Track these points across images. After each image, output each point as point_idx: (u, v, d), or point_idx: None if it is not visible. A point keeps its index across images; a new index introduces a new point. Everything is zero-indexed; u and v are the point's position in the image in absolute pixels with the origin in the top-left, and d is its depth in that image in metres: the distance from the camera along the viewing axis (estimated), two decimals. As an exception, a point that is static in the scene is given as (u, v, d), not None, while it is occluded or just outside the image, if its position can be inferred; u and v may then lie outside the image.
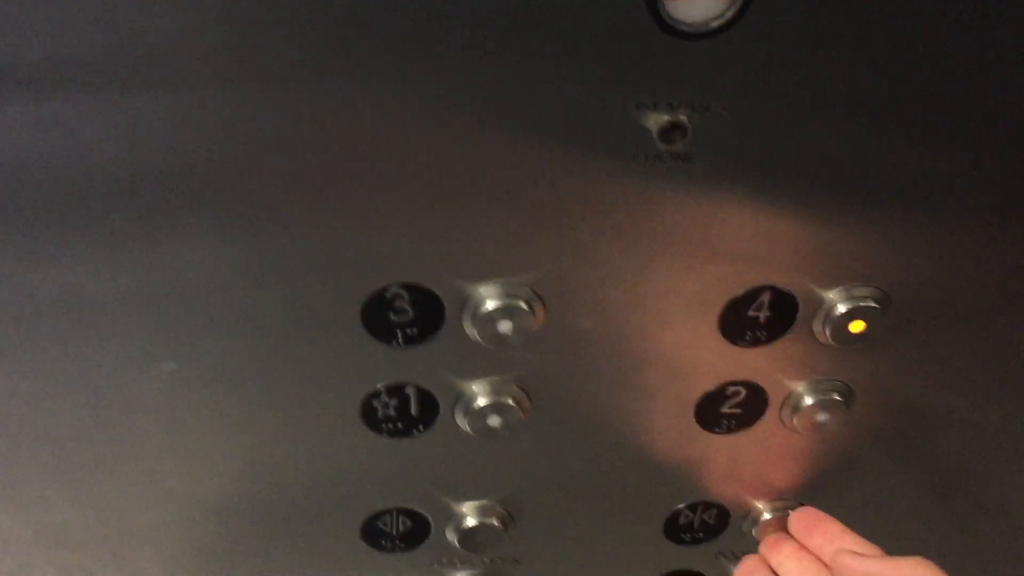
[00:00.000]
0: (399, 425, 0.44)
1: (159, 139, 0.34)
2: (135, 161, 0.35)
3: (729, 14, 0.33)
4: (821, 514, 0.46)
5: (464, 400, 0.43)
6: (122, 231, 0.37)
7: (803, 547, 0.45)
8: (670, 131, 0.36)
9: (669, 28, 0.33)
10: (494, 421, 0.43)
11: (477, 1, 0.33)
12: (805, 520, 0.47)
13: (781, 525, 0.48)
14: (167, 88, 0.33)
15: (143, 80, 0.33)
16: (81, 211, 0.36)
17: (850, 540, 0.44)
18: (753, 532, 0.50)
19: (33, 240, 0.36)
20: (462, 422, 0.43)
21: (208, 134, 0.34)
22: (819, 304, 0.42)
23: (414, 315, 0.40)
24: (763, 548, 0.47)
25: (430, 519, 0.48)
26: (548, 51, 0.34)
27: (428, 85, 0.34)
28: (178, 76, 0.33)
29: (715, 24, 0.33)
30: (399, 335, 0.41)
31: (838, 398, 0.44)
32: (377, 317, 0.40)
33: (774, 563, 0.46)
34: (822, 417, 0.45)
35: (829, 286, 0.41)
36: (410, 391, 0.42)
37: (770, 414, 0.45)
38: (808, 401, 0.45)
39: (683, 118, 0.35)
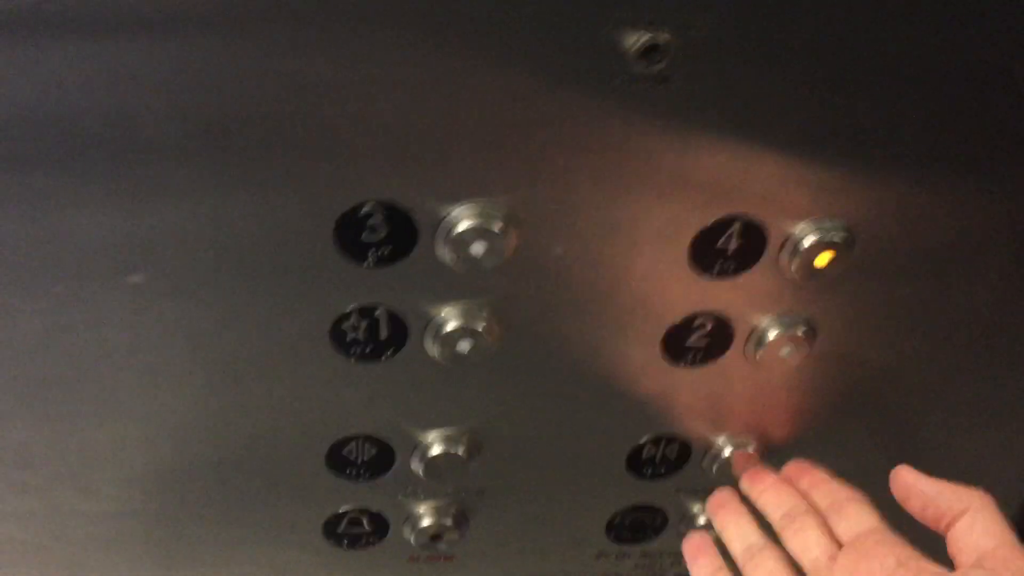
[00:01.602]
0: (368, 349, 0.43)
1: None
2: (104, 81, 0.34)
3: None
4: (812, 465, 0.47)
5: (434, 324, 0.43)
6: (94, 141, 0.36)
7: (785, 481, 0.46)
8: (649, 51, 0.36)
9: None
10: (463, 346, 0.43)
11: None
12: (795, 468, 0.47)
13: (753, 460, 0.49)
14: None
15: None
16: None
17: (839, 486, 0.45)
18: (713, 468, 0.51)
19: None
20: (431, 347, 0.44)
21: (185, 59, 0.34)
22: (787, 237, 0.42)
23: (387, 234, 0.40)
24: (744, 480, 0.48)
25: (395, 447, 0.48)
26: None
27: (403, 5, 0.34)
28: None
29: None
30: (371, 255, 0.40)
31: (800, 333, 0.45)
32: (349, 235, 0.40)
33: (754, 494, 0.46)
34: (785, 351, 0.46)
35: (798, 219, 0.42)
36: (380, 314, 0.42)
37: (735, 347, 0.46)
38: (772, 335, 0.45)
39: (663, 38, 0.36)
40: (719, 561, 0.47)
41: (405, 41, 0.35)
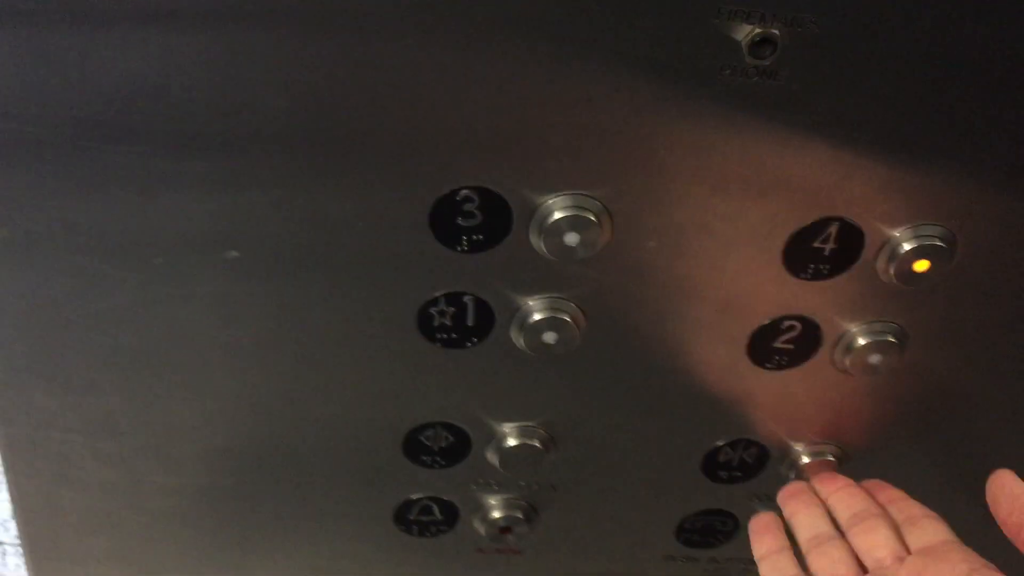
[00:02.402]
0: (453, 335, 0.43)
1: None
2: (209, 69, 0.35)
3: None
4: (890, 485, 0.46)
5: (521, 314, 0.43)
6: (203, 125, 0.36)
7: (859, 487, 0.45)
8: (760, 44, 0.35)
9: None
10: (549, 337, 0.43)
11: None
12: (873, 484, 0.46)
13: (828, 467, 0.48)
14: None
15: None
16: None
17: (915, 504, 0.44)
18: (790, 475, 0.50)
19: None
20: (516, 336, 0.43)
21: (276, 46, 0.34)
22: (885, 241, 0.41)
23: (481, 220, 0.40)
24: (817, 480, 0.47)
25: (472, 436, 0.48)
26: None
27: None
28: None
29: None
30: (464, 240, 0.40)
31: (893, 340, 0.44)
32: (444, 220, 0.40)
33: (824, 493, 0.46)
34: (875, 359, 0.45)
35: (898, 223, 0.41)
36: (468, 300, 0.42)
37: (822, 352, 0.45)
38: (862, 341, 0.44)
39: (775, 31, 0.35)
40: (784, 542, 0.45)
41: (506, 31, 0.35)
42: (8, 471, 0.48)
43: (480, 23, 0.35)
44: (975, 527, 0.54)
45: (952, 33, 0.36)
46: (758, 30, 0.35)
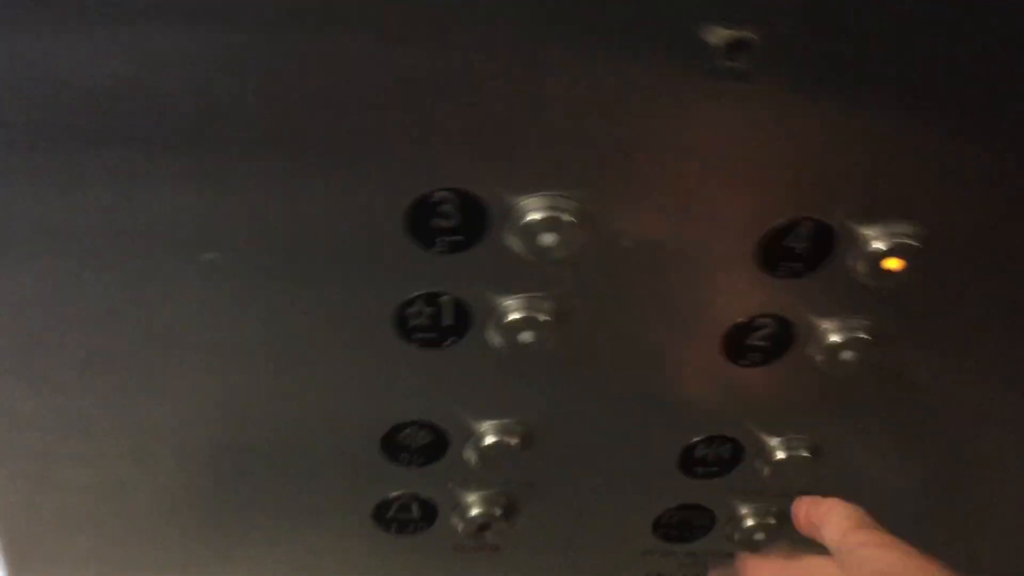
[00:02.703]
0: (431, 335, 0.44)
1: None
2: (186, 67, 0.35)
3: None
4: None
5: (498, 313, 0.43)
6: (180, 125, 0.37)
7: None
8: (735, 47, 0.36)
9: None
10: (525, 337, 0.43)
11: None
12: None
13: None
14: None
15: None
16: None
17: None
18: (764, 471, 0.51)
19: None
20: (493, 336, 0.44)
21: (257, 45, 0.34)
22: (857, 239, 0.42)
23: (458, 221, 0.40)
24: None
25: (449, 434, 0.48)
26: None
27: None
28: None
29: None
30: (440, 241, 0.41)
31: (866, 337, 0.45)
32: (421, 221, 0.40)
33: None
34: (847, 355, 0.45)
35: (869, 222, 0.42)
36: (445, 300, 0.43)
37: (796, 349, 0.46)
38: (835, 338, 0.45)
39: (748, 34, 0.35)
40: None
41: (482, 32, 0.35)
42: (-15, 472, 0.48)
43: (455, 24, 0.35)
44: (949, 519, 0.55)
45: (921, 34, 0.37)
46: (733, 34, 0.36)
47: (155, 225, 0.39)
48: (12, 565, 0.51)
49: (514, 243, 0.40)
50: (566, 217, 0.40)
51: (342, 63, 0.36)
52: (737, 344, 0.45)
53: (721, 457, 0.50)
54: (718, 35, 0.36)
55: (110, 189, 0.38)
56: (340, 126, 0.37)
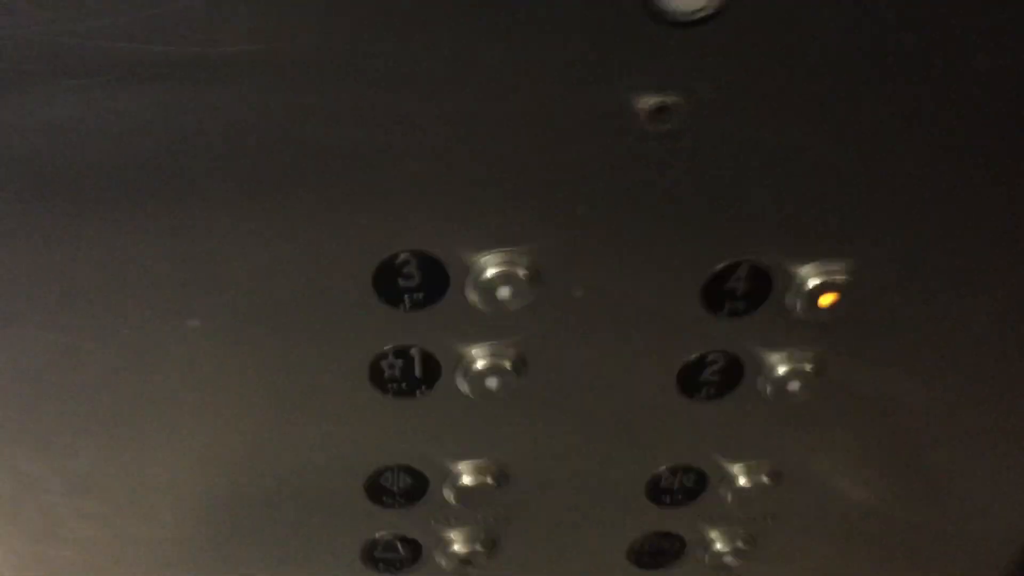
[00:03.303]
0: (403, 385, 0.47)
1: (180, 114, 0.38)
2: (158, 131, 0.38)
3: (713, 6, 0.37)
4: None
5: (464, 363, 0.46)
6: (150, 194, 0.40)
7: None
8: (659, 112, 0.39)
9: (659, 18, 0.37)
10: (491, 383, 0.47)
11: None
12: None
13: None
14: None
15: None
16: (113, 176, 0.39)
17: None
18: (728, 496, 0.53)
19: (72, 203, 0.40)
20: (462, 383, 0.47)
21: (228, 107, 0.38)
22: (792, 278, 0.45)
23: (421, 281, 0.43)
24: None
25: (429, 476, 0.51)
26: (545, 42, 0.37)
27: (427, 67, 0.38)
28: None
29: (700, 14, 0.37)
30: (406, 300, 0.44)
31: (808, 369, 0.48)
32: (387, 282, 0.43)
33: None
34: (794, 387, 0.49)
35: (801, 261, 0.45)
36: (415, 353, 0.46)
37: (746, 382, 0.49)
38: (780, 371, 0.48)
39: (671, 100, 0.39)
40: None
41: (432, 108, 0.39)
42: (-5, 532, 0.51)
43: (405, 98, 0.39)
44: (913, 538, 0.58)
45: (839, 90, 0.40)
46: (656, 99, 0.39)
47: (142, 295, 0.43)
48: (24, 617, 0.54)
49: (473, 298, 0.44)
50: (519, 272, 0.43)
51: (300, 133, 0.39)
52: (691, 380, 0.49)
53: (686, 486, 0.53)
54: (643, 101, 0.39)
55: (102, 260, 0.42)
56: (307, 191, 0.41)
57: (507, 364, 0.46)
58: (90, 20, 0.36)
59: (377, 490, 0.51)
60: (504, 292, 0.44)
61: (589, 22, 0.37)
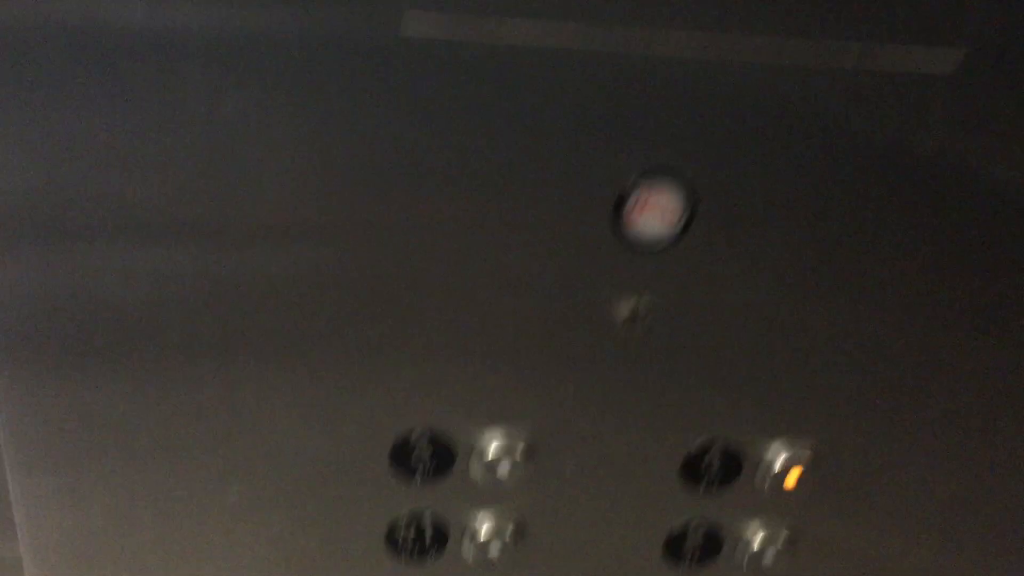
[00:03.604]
0: (415, 552, 0.53)
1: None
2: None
3: (674, 234, 0.45)
4: None
5: (469, 531, 0.52)
6: (186, 372, 0.48)
7: None
8: (630, 320, 0.47)
9: (629, 245, 0.44)
10: (495, 549, 0.52)
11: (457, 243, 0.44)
12: None
13: None
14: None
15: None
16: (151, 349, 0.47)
17: None
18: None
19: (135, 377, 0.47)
20: (468, 550, 0.52)
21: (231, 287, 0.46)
22: (760, 458, 0.51)
23: (430, 457, 0.50)
24: None
25: (438, 640, 0.56)
26: (534, 264, 0.45)
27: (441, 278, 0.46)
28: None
29: (664, 243, 0.44)
30: (418, 474, 0.50)
31: (784, 541, 0.53)
32: (401, 460, 0.50)
33: None
34: (769, 560, 0.53)
35: (768, 440, 0.51)
36: (425, 522, 0.52)
37: (725, 553, 0.54)
38: (756, 543, 0.53)
39: (640, 309, 0.46)
40: None
41: (429, 299, 0.47)
42: None
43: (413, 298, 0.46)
44: None
45: (782, 297, 0.47)
46: (627, 311, 0.46)
47: (187, 473, 0.49)
48: None
49: (477, 474, 0.50)
50: (517, 452, 0.49)
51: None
52: (675, 551, 0.54)
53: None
54: (616, 311, 0.46)
55: (150, 441, 0.49)
56: (328, 385, 0.48)
57: (509, 530, 0.52)
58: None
59: (390, 650, 0.56)
60: (504, 469, 0.50)
61: (573, 250, 0.45)
